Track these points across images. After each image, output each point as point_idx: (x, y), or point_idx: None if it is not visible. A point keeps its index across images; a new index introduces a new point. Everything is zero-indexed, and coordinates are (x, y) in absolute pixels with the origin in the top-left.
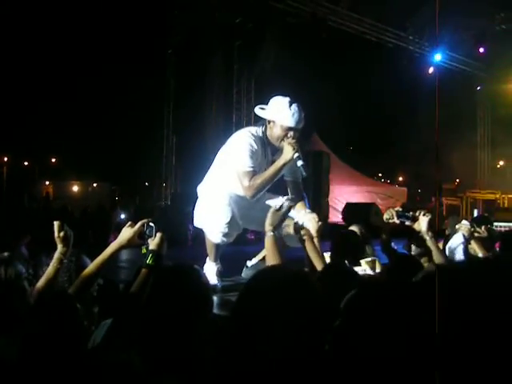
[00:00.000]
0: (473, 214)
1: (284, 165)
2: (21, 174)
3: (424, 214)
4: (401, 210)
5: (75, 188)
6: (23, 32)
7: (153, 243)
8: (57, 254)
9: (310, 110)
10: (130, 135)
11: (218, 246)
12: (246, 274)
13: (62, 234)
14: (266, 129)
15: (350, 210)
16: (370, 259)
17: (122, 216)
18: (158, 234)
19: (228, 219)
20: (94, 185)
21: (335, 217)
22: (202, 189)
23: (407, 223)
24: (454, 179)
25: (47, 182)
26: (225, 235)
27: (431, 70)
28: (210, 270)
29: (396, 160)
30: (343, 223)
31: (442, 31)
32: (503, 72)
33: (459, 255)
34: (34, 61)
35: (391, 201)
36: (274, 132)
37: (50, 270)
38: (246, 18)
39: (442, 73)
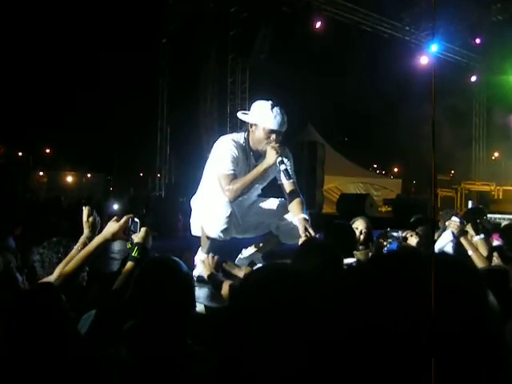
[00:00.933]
0: (467, 206)
1: (266, 169)
2: (15, 165)
3: (412, 235)
4: (389, 229)
5: (69, 178)
6: (20, 23)
7: (138, 237)
8: (82, 238)
9: (305, 100)
10: (125, 126)
11: (213, 240)
12: (240, 263)
13: (90, 219)
14: (248, 134)
15: (344, 201)
16: (363, 251)
17: (116, 206)
18: (143, 228)
19: (228, 213)
20: (88, 175)
21: (329, 208)
22: (196, 199)
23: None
24: (448, 170)
25: (41, 173)
26: (223, 230)
27: (425, 60)
28: (202, 261)
29: (391, 151)
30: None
31: (438, 22)
32: (499, 63)
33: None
34: (29, 52)
35: (386, 192)
36: (256, 135)
37: (73, 253)
38: (241, 8)
39: (438, 63)
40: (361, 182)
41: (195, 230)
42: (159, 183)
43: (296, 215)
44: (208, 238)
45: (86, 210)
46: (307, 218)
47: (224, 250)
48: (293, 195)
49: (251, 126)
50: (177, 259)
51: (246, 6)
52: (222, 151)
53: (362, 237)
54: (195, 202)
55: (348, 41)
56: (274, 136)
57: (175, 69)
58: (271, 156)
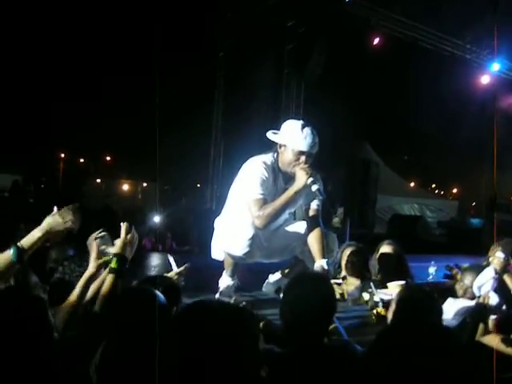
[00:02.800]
0: None
1: (297, 192)
2: (76, 171)
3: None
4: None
5: (125, 187)
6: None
7: (115, 247)
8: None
9: (361, 117)
10: (181, 137)
11: (236, 264)
12: (267, 288)
13: (129, 236)
14: (277, 156)
15: (396, 222)
16: (398, 283)
17: (157, 220)
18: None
19: (250, 235)
20: (144, 184)
21: (381, 228)
22: (219, 220)
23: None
24: (509, 193)
25: (98, 180)
26: (246, 253)
27: (486, 79)
28: (226, 286)
29: (450, 171)
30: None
31: (500, 40)
32: None
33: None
34: (93, 62)
35: (441, 214)
36: (285, 157)
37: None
38: (299, 22)
39: (499, 83)
40: (415, 202)
41: (215, 253)
42: (210, 195)
43: (316, 259)
44: (231, 261)
45: (124, 226)
46: (326, 267)
47: (249, 274)
48: (315, 223)
49: (280, 146)
50: (154, 292)
51: (304, 21)
52: (252, 174)
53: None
54: (218, 223)
55: (407, 58)
56: (303, 158)
57: (231, 82)
58: (301, 178)
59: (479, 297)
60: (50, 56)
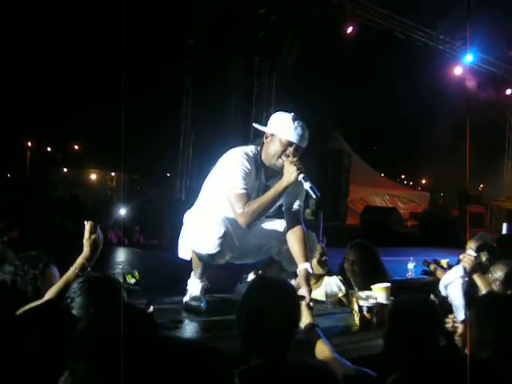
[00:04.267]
0: (501, 229)
1: (287, 187)
2: (43, 160)
3: None
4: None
5: (93, 176)
6: (50, 16)
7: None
8: (80, 259)
9: (333, 107)
10: (151, 126)
11: (206, 265)
12: (239, 291)
13: (93, 236)
14: (261, 148)
15: (369, 214)
16: (383, 285)
17: (122, 212)
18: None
19: (222, 233)
20: (112, 174)
21: (353, 219)
22: (189, 214)
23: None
24: (477, 185)
25: (65, 169)
26: (216, 254)
27: (459, 70)
28: (194, 288)
29: (420, 162)
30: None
31: (473, 32)
32: None
33: (455, 292)
34: (59, 48)
35: (413, 205)
36: (271, 148)
37: (69, 274)
38: (271, 9)
39: (472, 74)
40: (387, 194)
41: (182, 252)
42: (180, 186)
43: (299, 262)
44: (200, 261)
45: (87, 226)
46: (310, 270)
47: (220, 274)
48: (296, 222)
49: (266, 137)
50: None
51: (276, 8)
52: (234, 166)
53: None
54: (187, 218)
55: (380, 47)
56: (290, 149)
57: (201, 70)
58: (291, 172)
59: (446, 296)
60: (17, 44)
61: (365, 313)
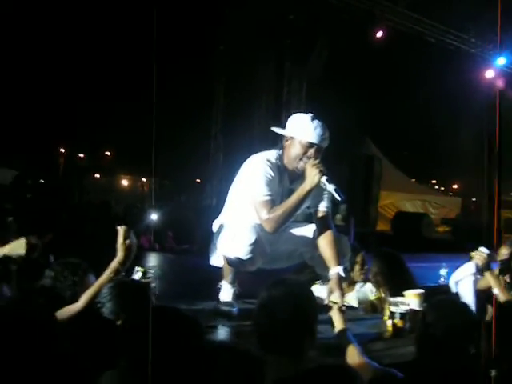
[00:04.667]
0: None
1: (310, 191)
2: (76, 166)
3: None
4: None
5: (125, 182)
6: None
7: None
8: (114, 263)
9: (364, 112)
10: (181, 132)
11: (236, 271)
12: None
13: (127, 242)
14: (282, 152)
15: (400, 220)
16: (416, 292)
17: (154, 217)
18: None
19: (253, 240)
20: (144, 180)
21: (384, 225)
22: (218, 221)
23: None
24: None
25: (97, 175)
26: (247, 260)
27: (491, 73)
28: (226, 294)
29: (452, 166)
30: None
31: (505, 34)
32: None
33: (465, 289)
34: (92, 54)
35: (444, 210)
36: (292, 151)
37: (103, 278)
38: (299, 16)
39: (504, 77)
40: (418, 199)
41: (214, 259)
42: (210, 191)
43: (331, 266)
44: (230, 268)
45: (122, 231)
46: (343, 274)
47: (251, 280)
48: (326, 226)
49: (286, 140)
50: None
51: (305, 14)
52: (256, 173)
53: None
54: (217, 226)
55: (411, 52)
56: (312, 151)
57: (231, 77)
58: (314, 175)
59: (456, 293)
60: (49, 54)
61: (397, 319)
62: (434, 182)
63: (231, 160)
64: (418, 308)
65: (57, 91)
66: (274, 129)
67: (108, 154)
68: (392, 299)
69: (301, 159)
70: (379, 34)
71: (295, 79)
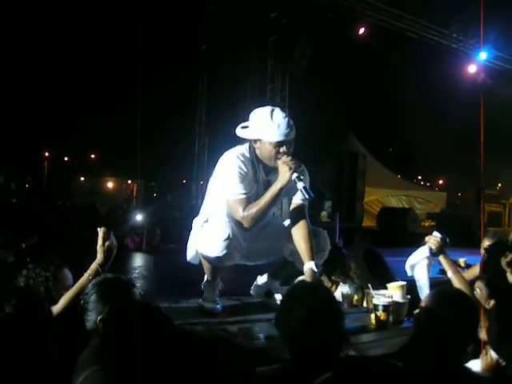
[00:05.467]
0: None
1: (282, 188)
2: (61, 169)
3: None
4: None
5: (110, 184)
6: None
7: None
8: (94, 265)
9: (347, 109)
10: (166, 134)
11: (216, 268)
12: (255, 291)
13: (106, 243)
14: (254, 148)
15: (386, 215)
16: (398, 284)
17: (139, 217)
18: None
19: (226, 235)
20: (129, 181)
21: (370, 221)
22: (196, 219)
23: None
24: (496, 183)
25: (82, 178)
26: (223, 256)
27: (473, 68)
28: (209, 291)
29: (436, 162)
30: (377, 228)
31: (487, 29)
32: None
33: (420, 272)
34: (73, 57)
35: (430, 205)
36: (264, 152)
37: (83, 280)
38: (282, 13)
39: (487, 72)
40: (403, 194)
41: (190, 256)
42: (196, 192)
43: (304, 260)
44: (208, 264)
45: (101, 233)
46: (315, 269)
47: (234, 276)
48: (301, 218)
49: (255, 141)
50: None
51: (287, 12)
52: (229, 171)
53: None
54: (196, 221)
55: (393, 48)
56: (284, 148)
57: (214, 76)
58: (284, 173)
59: (412, 276)
60: (35, 58)
61: (380, 311)
62: (419, 177)
63: (216, 159)
64: (400, 300)
65: (41, 95)
66: (239, 133)
67: (93, 156)
68: (374, 292)
69: (276, 158)
70: (361, 31)
71: (278, 77)
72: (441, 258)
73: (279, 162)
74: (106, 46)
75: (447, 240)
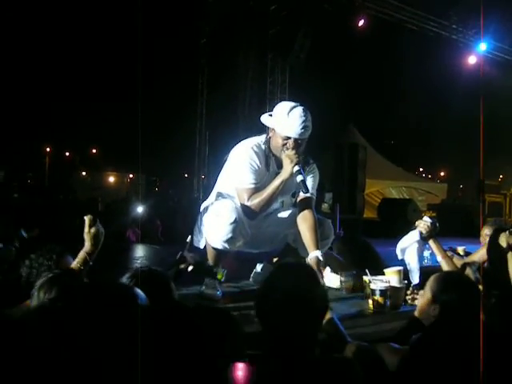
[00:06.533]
0: None
1: (283, 181)
2: (62, 164)
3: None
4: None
5: (111, 179)
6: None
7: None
8: (82, 253)
9: (347, 100)
10: (167, 127)
11: (220, 253)
12: (255, 278)
13: (92, 230)
14: (270, 138)
15: (386, 206)
16: (395, 269)
17: (140, 210)
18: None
19: (232, 219)
20: (130, 176)
21: (371, 212)
22: (205, 203)
23: None
24: (497, 175)
25: (84, 173)
26: (228, 240)
27: (473, 59)
28: (210, 277)
29: (437, 154)
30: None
31: (487, 20)
32: None
33: (411, 256)
34: (75, 52)
35: (430, 196)
36: (274, 142)
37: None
38: (281, 6)
39: (487, 63)
40: (404, 186)
41: (196, 240)
42: (197, 185)
43: (309, 250)
44: (213, 249)
45: (87, 220)
46: (321, 258)
47: (236, 263)
48: (307, 216)
49: (271, 130)
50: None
51: (286, 4)
52: (241, 160)
53: None
54: (203, 207)
55: (392, 40)
56: (290, 142)
57: (214, 69)
58: (286, 165)
59: (402, 260)
60: (34, 54)
61: (378, 296)
62: (421, 169)
63: (216, 153)
64: (398, 285)
65: (42, 91)
66: (262, 119)
67: (94, 151)
68: (372, 277)
69: (282, 149)
70: (361, 23)
71: (278, 69)
72: (430, 242)
73: (283, 155)
74: (106, 42)
75: (437, 225)
